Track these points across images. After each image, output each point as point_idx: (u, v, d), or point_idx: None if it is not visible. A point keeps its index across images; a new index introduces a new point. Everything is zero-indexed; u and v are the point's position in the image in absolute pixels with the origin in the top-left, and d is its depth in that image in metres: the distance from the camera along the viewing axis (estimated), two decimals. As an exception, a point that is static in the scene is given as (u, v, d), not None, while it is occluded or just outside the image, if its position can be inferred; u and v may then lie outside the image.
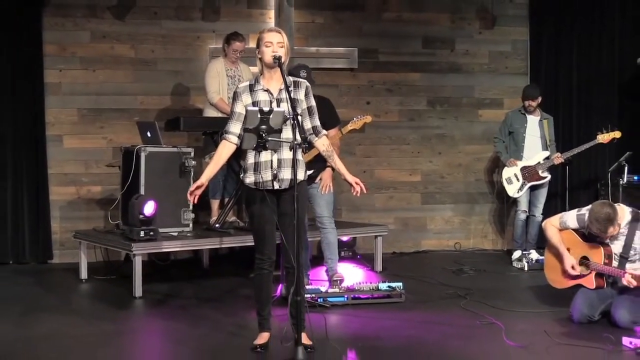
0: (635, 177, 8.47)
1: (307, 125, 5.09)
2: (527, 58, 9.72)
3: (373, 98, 9.31)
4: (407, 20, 9.43)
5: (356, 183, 5.21)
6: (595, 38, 9.57)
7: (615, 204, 5.83)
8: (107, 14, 8.71)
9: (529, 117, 8.50)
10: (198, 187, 5.00)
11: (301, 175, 4.91)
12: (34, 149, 8.48)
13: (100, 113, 8.71)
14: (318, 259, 7.53)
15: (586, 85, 9.59)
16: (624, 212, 5.86)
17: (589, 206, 5.86)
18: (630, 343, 5.18)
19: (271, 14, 8.84)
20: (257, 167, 4.97)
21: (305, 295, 5.40)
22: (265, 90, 4.98)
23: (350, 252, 8.59)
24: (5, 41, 8.34)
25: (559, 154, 8.36)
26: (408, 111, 9.50)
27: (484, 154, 9.67)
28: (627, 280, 5.61)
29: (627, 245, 5.78)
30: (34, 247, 8.46)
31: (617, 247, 5.83)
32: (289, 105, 4.80)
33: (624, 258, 5.79)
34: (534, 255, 8.28)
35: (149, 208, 6.93)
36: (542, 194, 8.51)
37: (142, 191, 7.13)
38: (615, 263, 5.80)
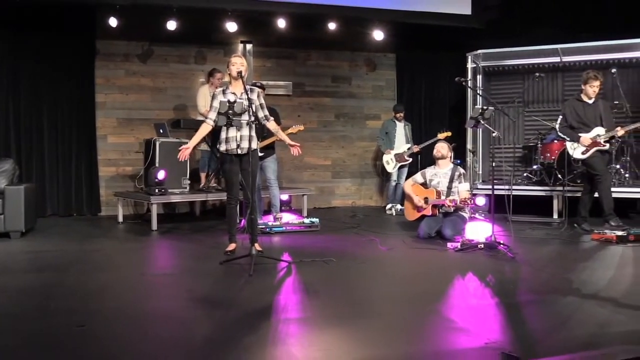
0: (458, 160, 8.65)
1: (260, 114, 5.09)
2: (395, 89, 9.84)
3: (302, 113, 9.32)
4: (322, 65, 9.48)
5: (294, 145, 5.25)
6: (430, 78, 9.71)
7: None
8: (135, 59, 8.56)
9: (398, 124, 8.63)
10: (185, 149, 5.01)
11: (254, 145, 4.91)
12: (89, 143, 8.28)
13: (131, 121, 8.53)
14: (267, 212, 7.53)
15: (430, 105, 9.79)
16: (450, 163, 6.13)
17: None
18: (452, 246, 5.43)
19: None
20: (227, 140, 4.99)
21: (258, 226, 5.46)
22: (232, 93, 5.01)
23: (288, 207, 8.60)
24: (72, 77, 8.15)
25: (416, 146, 8.54)
26: (323, 121, 9.54)
27: (370, 148, 9.76)
28: (447, 205, 5.84)
29: (450, 182, 6.01)
30: (88, 204, 8.26)
31: (442, 185, 6.04)
32: (246, 101, 4.84)
33: (449, 189, 6.00)
34: (398, 207, 8.43)
35: (161, 174, 6.90)
36: (405, 170, 8.61)
37: (157, 165, 7.07)
38: (443, 197, 6.01)
